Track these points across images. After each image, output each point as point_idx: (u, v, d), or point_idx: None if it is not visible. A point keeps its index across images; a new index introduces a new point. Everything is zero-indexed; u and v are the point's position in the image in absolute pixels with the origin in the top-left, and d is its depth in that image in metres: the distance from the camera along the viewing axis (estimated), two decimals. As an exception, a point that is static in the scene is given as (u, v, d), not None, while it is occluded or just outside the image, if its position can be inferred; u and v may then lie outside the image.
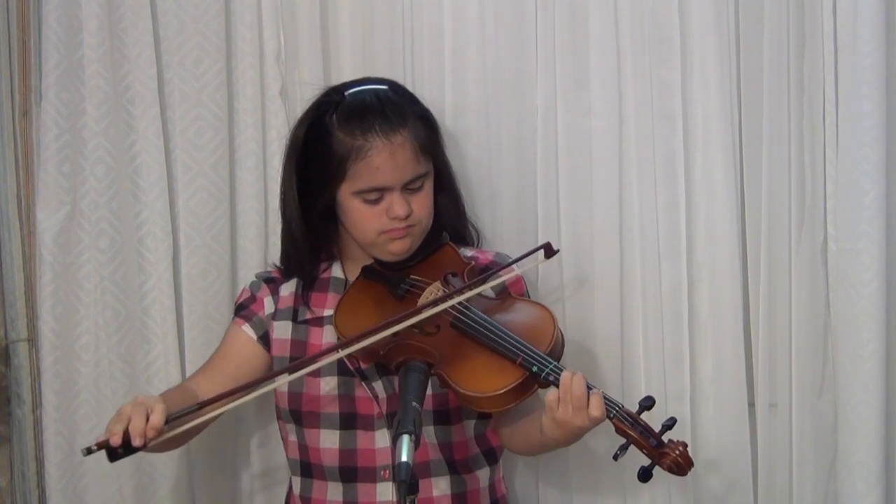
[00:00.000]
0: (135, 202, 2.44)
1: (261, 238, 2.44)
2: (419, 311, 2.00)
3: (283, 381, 2.07)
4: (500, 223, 2.40)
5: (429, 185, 2.12)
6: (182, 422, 1.92)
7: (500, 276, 2.14)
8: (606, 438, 2.39)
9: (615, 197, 2.36)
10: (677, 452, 1.84)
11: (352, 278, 2.19)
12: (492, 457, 2.18)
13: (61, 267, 2.42)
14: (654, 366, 2.35)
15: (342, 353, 2.01)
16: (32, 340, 2.46)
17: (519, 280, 2.19)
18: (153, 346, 2.45)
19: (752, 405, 2.36)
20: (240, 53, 2.42)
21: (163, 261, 2.42)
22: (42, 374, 2.43)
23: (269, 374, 2.11)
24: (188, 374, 2.43)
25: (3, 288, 2.45)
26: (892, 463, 2.29)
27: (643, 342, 2.36)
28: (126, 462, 2.41)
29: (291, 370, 2.03)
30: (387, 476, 2.09)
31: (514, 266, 2.17)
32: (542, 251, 2.11)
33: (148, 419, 1.84)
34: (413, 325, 2.00)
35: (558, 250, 2.12)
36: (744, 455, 2.35)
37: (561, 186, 2.37)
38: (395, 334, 2.00)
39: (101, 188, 2.42)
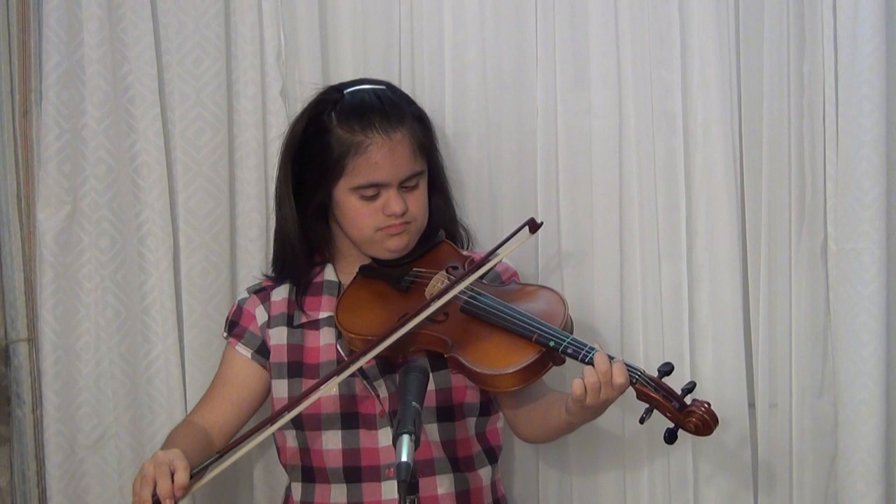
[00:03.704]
0: (135, 202, 2.44)
1: (261, 238, 2.44)
2: (431, 303, 1.99)
3: (296, 412, 1.98)
4: (500, 223, 2.40)
5: (423, 184, 2.13)
6: (203, 473, 1.92)
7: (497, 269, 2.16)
8: (609, 437, 2.40)
9: (615, 197, 2.36)
10: (702, 410, 1.85)
11: (345, 281, 2.18)
12: (492, 455, 2.17)
13: (62, 267, 2.41)
14: (655, 366, 2.34)
15: (360, 363, 1.98)
16: (32, 340, 2.46)
17: (515, 275, 2.20)
18: (153, 345, 2.45)
19: (752, 405, 2.36)
20: (240, 53, 2.42)
21: (163, 261, 2.42)
22: (42, 374, 2.42)
23: (283, 407, 2.00)
24: (188, 375, 2.43)
25: (3, 288, 2.45)
26: (892, 463, 2.29)
27: (643, 342, 2.36)
28: (127, 462, 2.43)
29: (313, 389, 1.98)
30: (391, 474, 2.07)
31: (507, 262, 2.19)
32: (526, 228, 2.09)
33: (173, 478, 1.85)
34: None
35: (542, 223, 2.10)
36: (744, 455, 2.34)
37: (561, 186, 2.38)
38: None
39: (102, 188, 2.42)
